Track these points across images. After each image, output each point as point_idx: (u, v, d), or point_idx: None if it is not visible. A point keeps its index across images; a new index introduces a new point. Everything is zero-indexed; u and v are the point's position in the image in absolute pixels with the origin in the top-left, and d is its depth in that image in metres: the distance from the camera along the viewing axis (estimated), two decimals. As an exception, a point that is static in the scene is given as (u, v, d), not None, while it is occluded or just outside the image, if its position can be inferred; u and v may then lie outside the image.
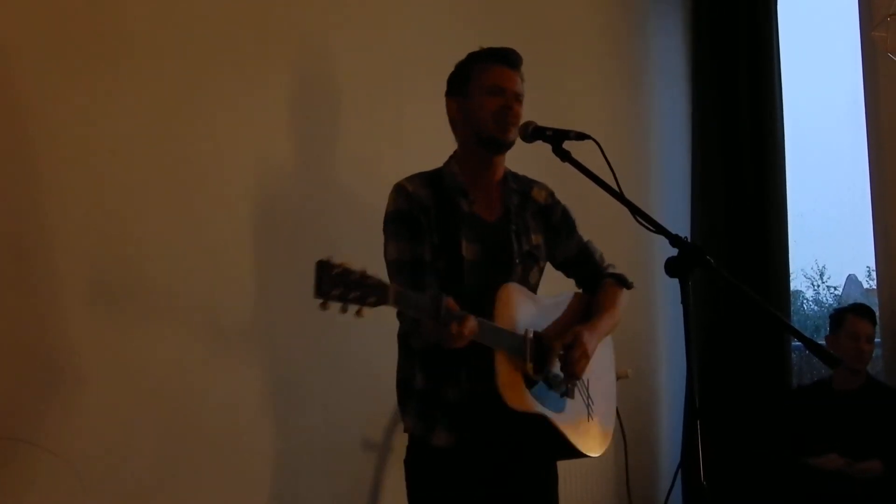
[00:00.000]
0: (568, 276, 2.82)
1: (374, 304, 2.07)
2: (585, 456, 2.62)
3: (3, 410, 2.52)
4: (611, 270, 2.80)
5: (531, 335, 2.50)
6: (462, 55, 2.68)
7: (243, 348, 3.11)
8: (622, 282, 2.78)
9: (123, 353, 2.78)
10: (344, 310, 2.03)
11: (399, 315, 2.52)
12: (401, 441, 2.66)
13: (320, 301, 2.00)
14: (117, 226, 2.79)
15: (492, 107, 2.56)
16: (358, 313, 2.05)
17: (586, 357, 2.53)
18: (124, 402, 2.77)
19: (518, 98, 2.59)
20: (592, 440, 2.65)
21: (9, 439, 2.48)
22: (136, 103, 2.84)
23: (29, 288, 2.61)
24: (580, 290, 2.82)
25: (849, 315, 4.23)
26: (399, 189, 2.59)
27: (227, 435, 3.00)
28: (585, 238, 2.79)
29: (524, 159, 2.73)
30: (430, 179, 2.62)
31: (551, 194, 2.76)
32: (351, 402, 3.32)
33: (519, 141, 2.58)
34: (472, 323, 2.26)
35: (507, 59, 2.61)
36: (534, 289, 2.67)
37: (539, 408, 2.46)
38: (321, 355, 3.27)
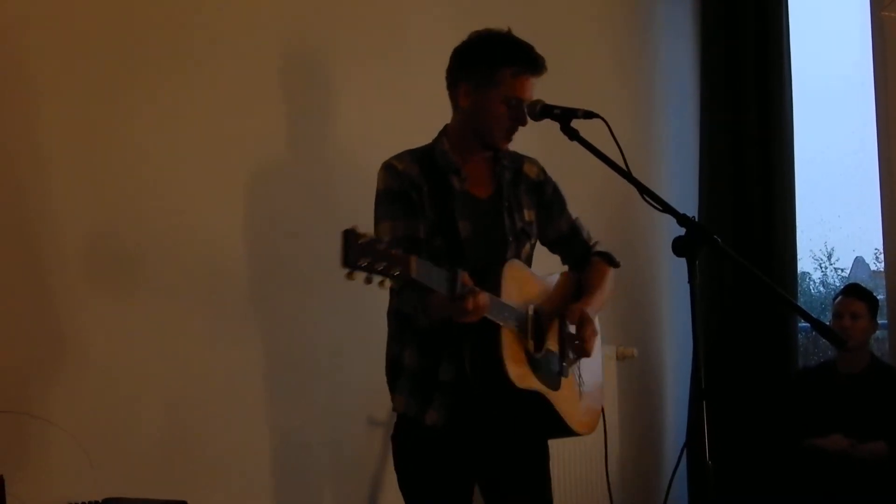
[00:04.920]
0: (554, 252, 2.80)
1: (398, 277, 2.05)
2: (577, 434, 2.63)
3: (11, 385, 2.54)
4: (598, 248, 2.78)
5: (532, 312, 2.50)
6: (458, 36, 2.60)
7: (248, 326, 3.12)
8: (610, 260, 2.76)
9: (129, 330, 2.80)
10: (369, 280, 2.01)
11: (393, 292, 2.49)
12: (405, 419, 2.67)
13: (347, 271, 1.98)
14: (120, 207, 2.81)
15: (506, 122, 2.51)
16: (381, 284, 2.03)
17: (595, 334, 2.54)
18: (129, 379, 2.78)
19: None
20: (584, 419, 2.66)
21: (16, 413, 2.49)
22: (131, 93, 2.84)
23: (34, 269, 2.62)
24: (567, 268, 2.81)
25: (838, 296, 4.28)
26: (388, 167, 2.55)
27: (232, 410, 3.02)
28: (574, 215, 2.76)
29: (528, 138, 2.71)
30: (420, 156, 2.58)
31: (542, 170, 2.73)
32: (354, 382, 3.32)
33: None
34: (485, 298, 2.25)
35: (536, 67, 2.52)
36: (527, 265, 2.65)
37: (540, 386, 2.47)
38: (324, 337, 3.28)
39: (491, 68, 2.51)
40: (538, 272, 2.66)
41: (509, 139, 2.56)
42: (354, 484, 3.38)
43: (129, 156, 2.83)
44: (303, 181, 3.27)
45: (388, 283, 2.04)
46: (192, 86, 2.98)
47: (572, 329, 2.53)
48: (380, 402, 3.34)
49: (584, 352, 2.54)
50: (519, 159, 2.70)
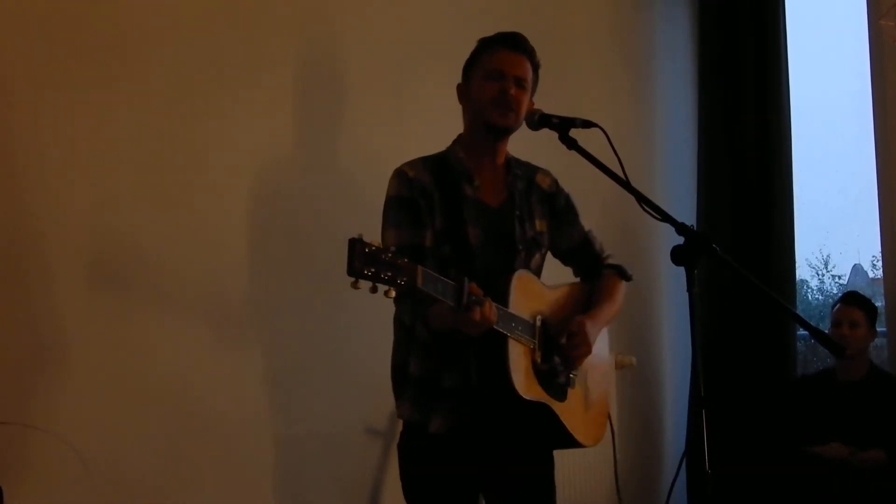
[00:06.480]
0: (566, 264, 2.81)
1: (404, 286, 2.05)
2: (582, 446, 2.63)
3: (10, 396, 2.54)
4: (610, 261, 2.79)
5: (539, 323, 2.49)
6: (465, 44, 2.66)
7: (247, 336, 3.12)
8: (622, 273, 2.78)
9: (127, 340, 2.80)
10: (374, 290, 2.02)
11: (397, 300, 2.49)
12: (403, 428, 2.67)
13: (352, 280, 1.98)
14: (121, 216, 2.81)
15: (490, 92, 2.53)
16: (387, 294, 2.04)
17: (588, 347, 2.53)
18: (128, 389, 2.78)
19: (519, 82, 2.55)
20: (590, 430, 2.66)
21: (15, 424, 2.49)
22: (137, 96, 2.85)
23: (33, 278, 2.62)
24: (578, 279, 2.81)
25: (836, 304, 4.28)
26: (400, 174, 2.57)
27: (231, 421, 3.01)
28: (587, 227, 2.78)
29: (529, 147, 2.72)
30: (433, 163, 2.60)
31: (555, 181, 2.75)
32: (354, 388, 3.32)
33: (525, 128, 2.55)
34: (492, 309, 2.26)
35: (509, 42, 2.58)
36: (536, 275, 2.65)
37: (546, 397, 2.46)
38: (324, 343, 3.28)
39: (473, 59, 2.63)
40: (548, 283, 2.65)
41: (501, 111, 2.54)
42: (354, 491, 3.37)
43: (133, 160, 2.83)
44: (305, 188, 3.27)
45: (393, 292, 2.04)
46: (197, 91, 2.98)
47: (563, 340, 2.52)
48: (379, 408, 3.36)
49: (571, 364, 2.54)
50: (532, 170, 2.72)
